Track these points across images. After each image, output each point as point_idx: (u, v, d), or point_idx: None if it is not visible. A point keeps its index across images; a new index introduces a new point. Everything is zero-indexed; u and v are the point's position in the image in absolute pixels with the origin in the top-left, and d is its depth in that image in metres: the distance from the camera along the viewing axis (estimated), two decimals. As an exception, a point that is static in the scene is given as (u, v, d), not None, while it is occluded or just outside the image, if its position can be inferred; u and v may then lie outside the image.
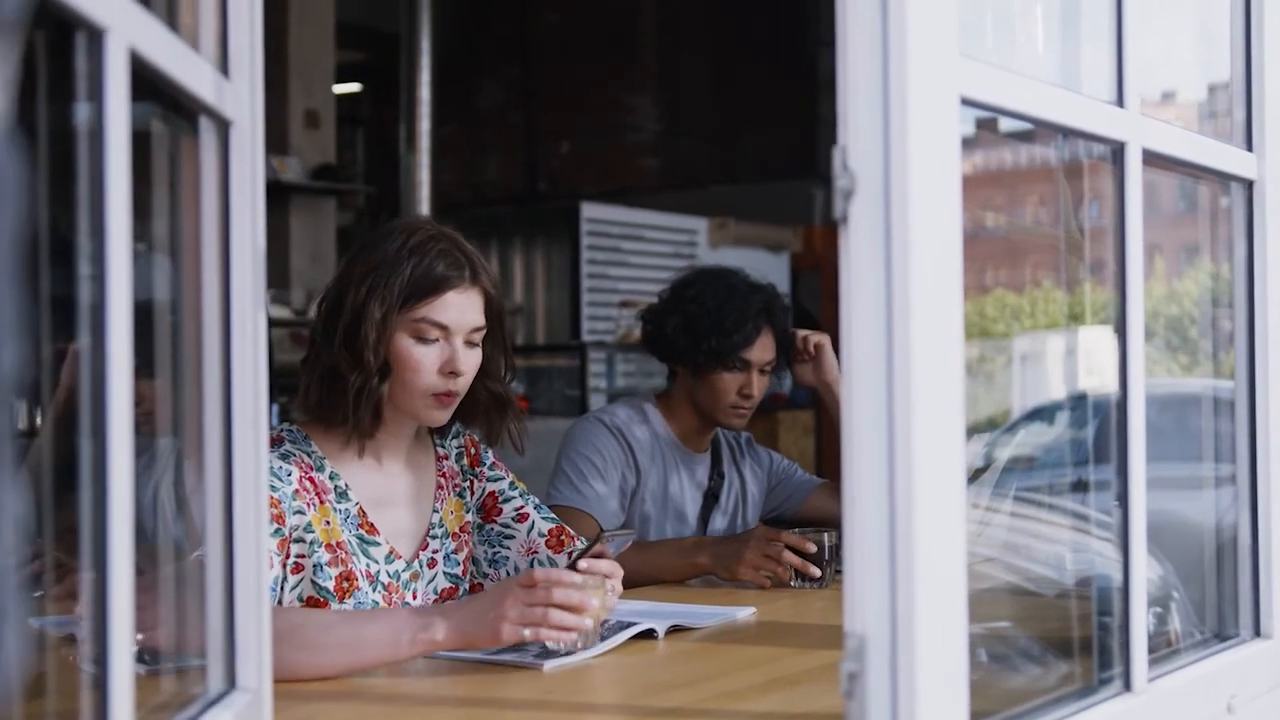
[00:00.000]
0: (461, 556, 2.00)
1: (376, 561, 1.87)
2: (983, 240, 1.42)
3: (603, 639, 1.74)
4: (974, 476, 1.57)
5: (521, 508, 2.04)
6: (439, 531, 1.97)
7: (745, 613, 2.03)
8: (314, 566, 1.80)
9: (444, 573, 1.96)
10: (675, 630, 1.87)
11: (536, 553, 2.00)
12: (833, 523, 2.43)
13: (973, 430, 1.12)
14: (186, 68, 1.04)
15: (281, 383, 2.44)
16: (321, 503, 1.84)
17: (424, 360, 1.84)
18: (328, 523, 1.83)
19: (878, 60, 1.01)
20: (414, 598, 1.90)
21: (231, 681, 1.17)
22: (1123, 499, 1.34)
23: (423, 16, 6.29)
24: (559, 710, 1.51)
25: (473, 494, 2.04)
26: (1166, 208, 1.80)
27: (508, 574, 2.00)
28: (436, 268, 1.83)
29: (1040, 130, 1.36)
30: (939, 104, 1.05)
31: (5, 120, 0.61)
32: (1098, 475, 1.51)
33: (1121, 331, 1.34)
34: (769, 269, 6.24)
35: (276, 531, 1.75)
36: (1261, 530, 1.59)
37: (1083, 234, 1.61)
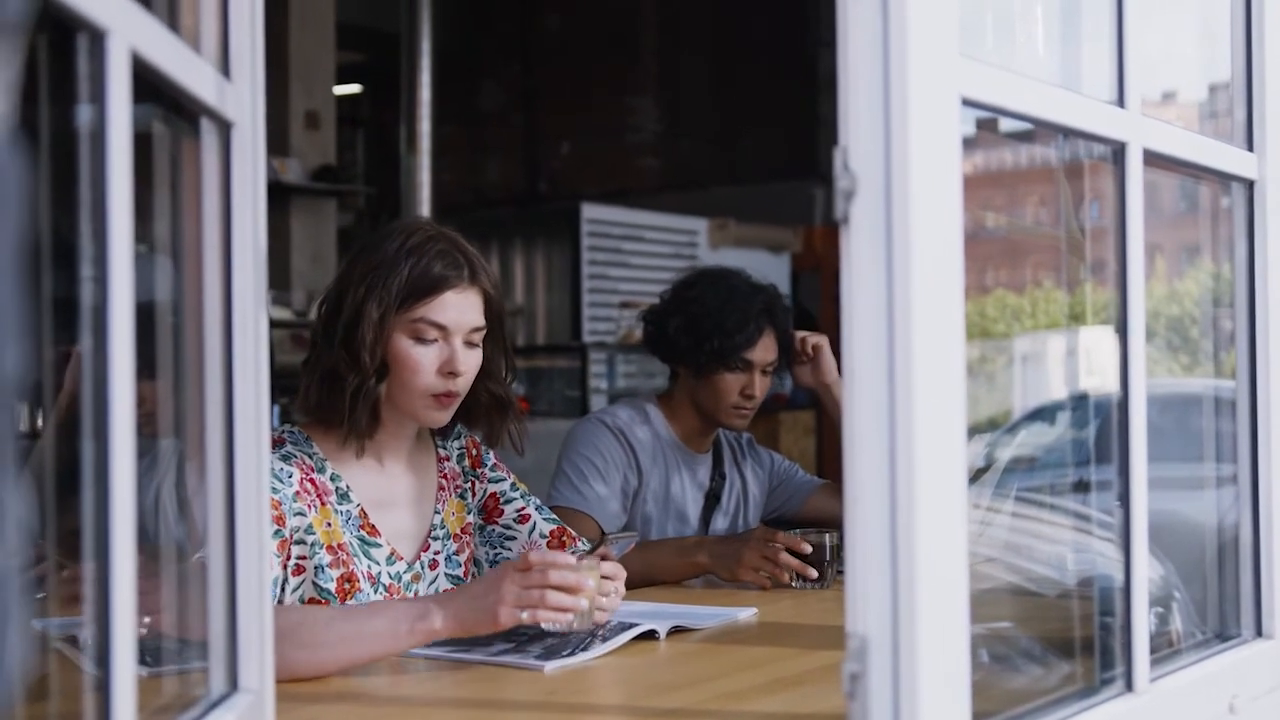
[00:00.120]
0: (463, 558, 2.00)
1: (378, 563, 1.87)
2: (983, 240, 1.42)
3: (604, 640, 1.74)
4: (975, 477, 1.57)
5: (523, 509, 2.04)
6: (440, 533, 1.97)
7: (747, 613, 2.03)
8: (315, 568, 1.80)
9: (445, 574, 1.96)
10: (677, 631, 1.87)
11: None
12: (834, 523, 2.43)
13: (974, 430, 1.12)
14: (188, 69, 1.04)
15: (282, 384, 2.44)
16: (323, 504, 1.84)
17: (423, 361, 1.84)
18: (329, 524, 1.83)
19: (878, 61, 1.01)
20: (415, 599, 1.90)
21: (233, 683, 1.17)
22: (1124, 499, 1.34)
23: (423, 17, 6.29)
24: (561, 711, 1.51)
25: (474, 495, 2.04)
26: (1167, 208, 1.80)
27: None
28: (434, 268, 1.83)
29: (1041, 130, 1.36)
30: (939, 104, 1.05)
31: (8, 122, 0.61)
32: (1099, 475, 1.51)
33: (1122, 331, 1.34)
34: (769, 269, 6.24)
35: (277, 533, 1.75)
36: (1263, 530, 1.59)
37: (1083, 234, 1.61)
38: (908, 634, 1.00)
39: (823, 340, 2.68)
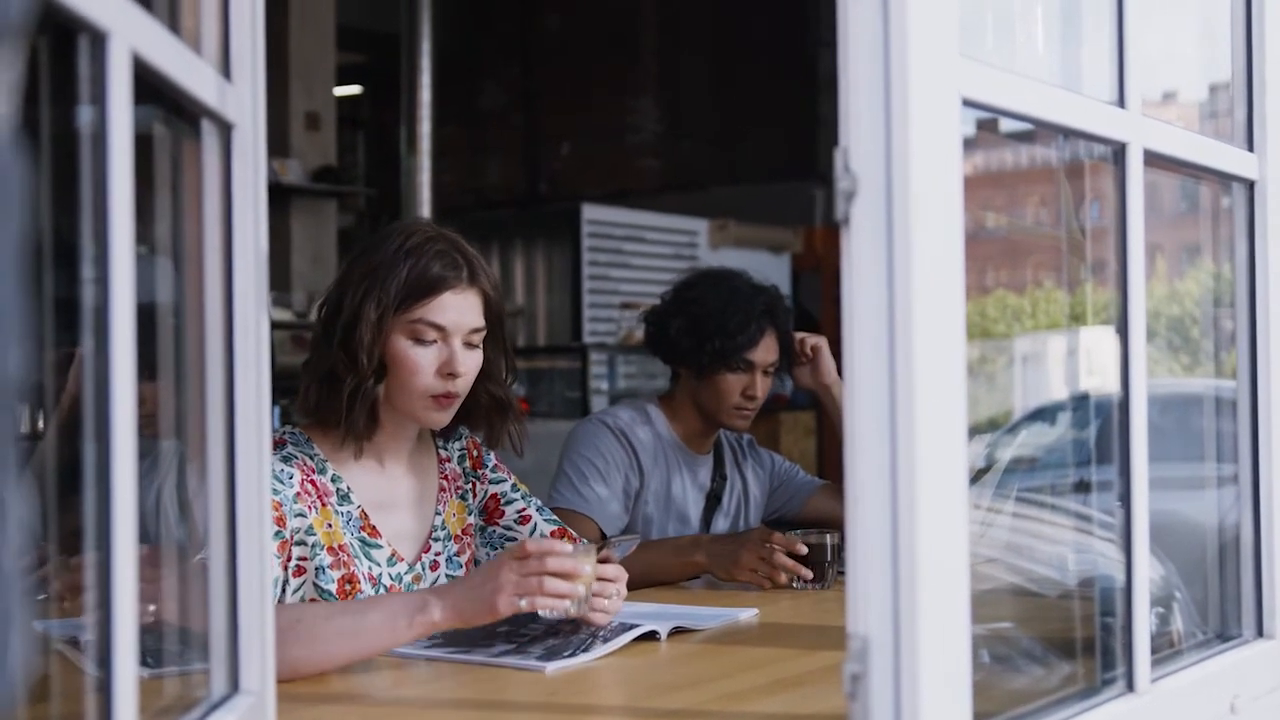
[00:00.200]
0: (464, 559, 2.00)
1: (378, 564, 1.87)
2: (984, 241, 1.42)
3: (605, 641, 1.74)
4: (976, 477, 1.57)
5: (524, 510, 2.05)
6: (441, 534, 1.97)
7: (748, 614, 2.03)
8: (316, 569, 1.80)
9: (446, 575, 1.96)
10: (678, 632, 1.87)
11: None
12: (834, 524, 2.44)
13: (974, 431, 1.12)
14: (189, 71, 1.04)
15: (283, 385, 2.44)
16: (323, 505, 1.84)
17: (421, 361, 1.84)
18: (329, 525, 1.83)
19: (879, 62, 1.01)
20: (416, 600, 1.90)
21: (235, 684, 1.17)
22: (1125, 499, 1.34)
23: (423, 18, 6.29)
24: (562, 712, 1.51)
25: (475, 496, 2.04)
26: (1168, 208, 1.80)
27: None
28: (433, 268, 1.83)
29: (1041, 131, 1.36)
30: (940, 105, 1.05)
31: (10, 124, 0.61)
32: (1100, 476, 1.51)
33: (1123, 332, 1.34)
34: (770, 270, 6.24)
35: (277, 534, 1.75)
36: (1264, 530, 1.59)
37: (1084, 234, 1.61)
38: (909, 634, 1.00)
39: (821, 341, 2.68)
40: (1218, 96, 1.73)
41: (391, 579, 1.89)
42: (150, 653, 1.12)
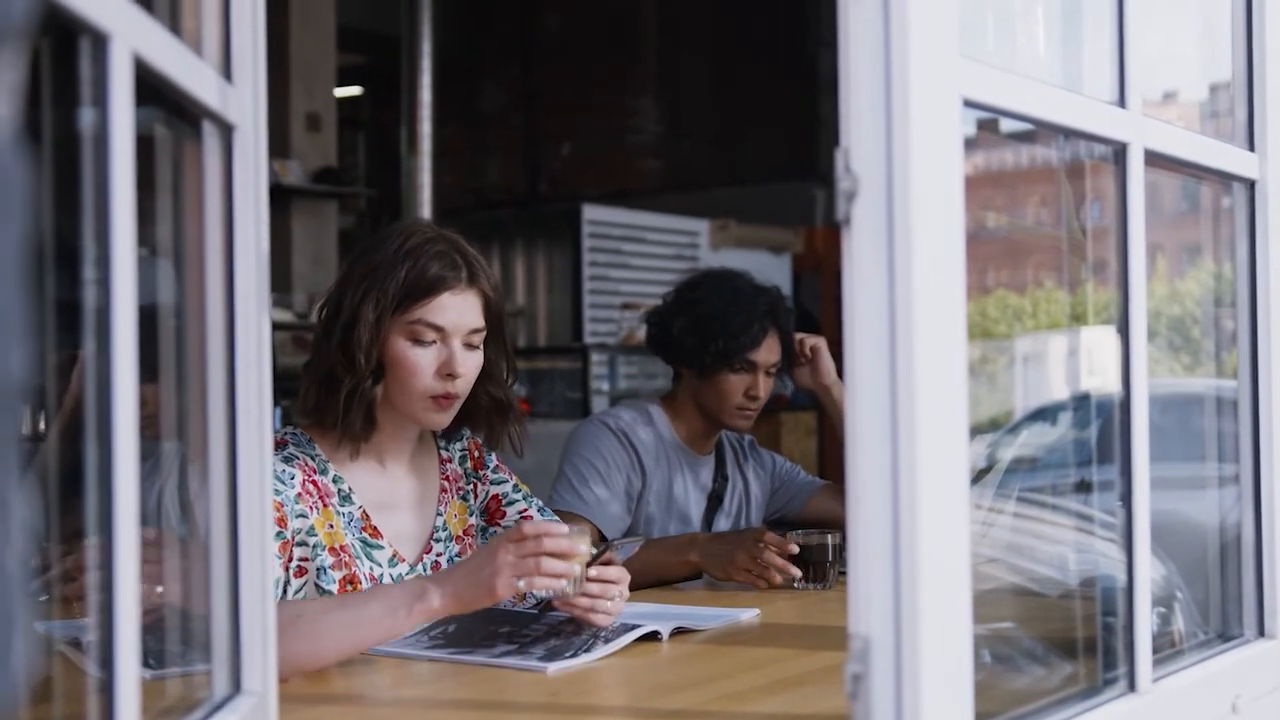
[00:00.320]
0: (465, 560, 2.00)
1: (380, 565, 1.87)
2: (985, 241, 1.42)
3: (606, 641, 1.75)
4: (977, 477, 1.57)
5: (525, 511, 2.05)
6: (442, 535, 1.97)
7: (749, 614, 2.03)
8: (317, 570, 1.80)
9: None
10: (679, 632, 1.87)
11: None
12: (836, 524, 2.44)
13: (975, 431, 1.13)
14: (190, 72, 1.04)
15: (284, 386, 2.44)
16: (325, 506, 1.84)
17: (420, 362, 1.84)
18: (331, 526, 1.83)
19: (879, 62, 1.02)
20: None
21: (237, 685, 1.17)
22: (1126, 499, 1.34)
23: (423, 19, 6.29)
24: (564, 713, 1.51)
25: (476, 497, 2.04)
26: (1168, 208, 1.80)
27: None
28: (431, 269, 1.83)
29: (1042, 131, 1.36)
30: (941, 105, 1.05)
31: (12, 126, 0.61)
32: (1101, 476, 1.51)
33: (1124, 331, 1.34)
34: (770, 270, 6.23)
35: (279, 534, 1.75)
36: (1265, 530, 1.59)
37: (1085, 234, 1.61)
38: (910, 634, 1.00)
39: (820, 342, 2.69)
40: (1218, 96, 1.73)
41: (393, 580, 1.88)
42: (152, 654, 1.12)
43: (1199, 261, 1.85)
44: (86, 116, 0.87)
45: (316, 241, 6.85)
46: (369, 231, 7.67)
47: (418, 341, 1.84)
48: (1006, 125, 1.31)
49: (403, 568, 1.90)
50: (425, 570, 1.93)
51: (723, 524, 2.72)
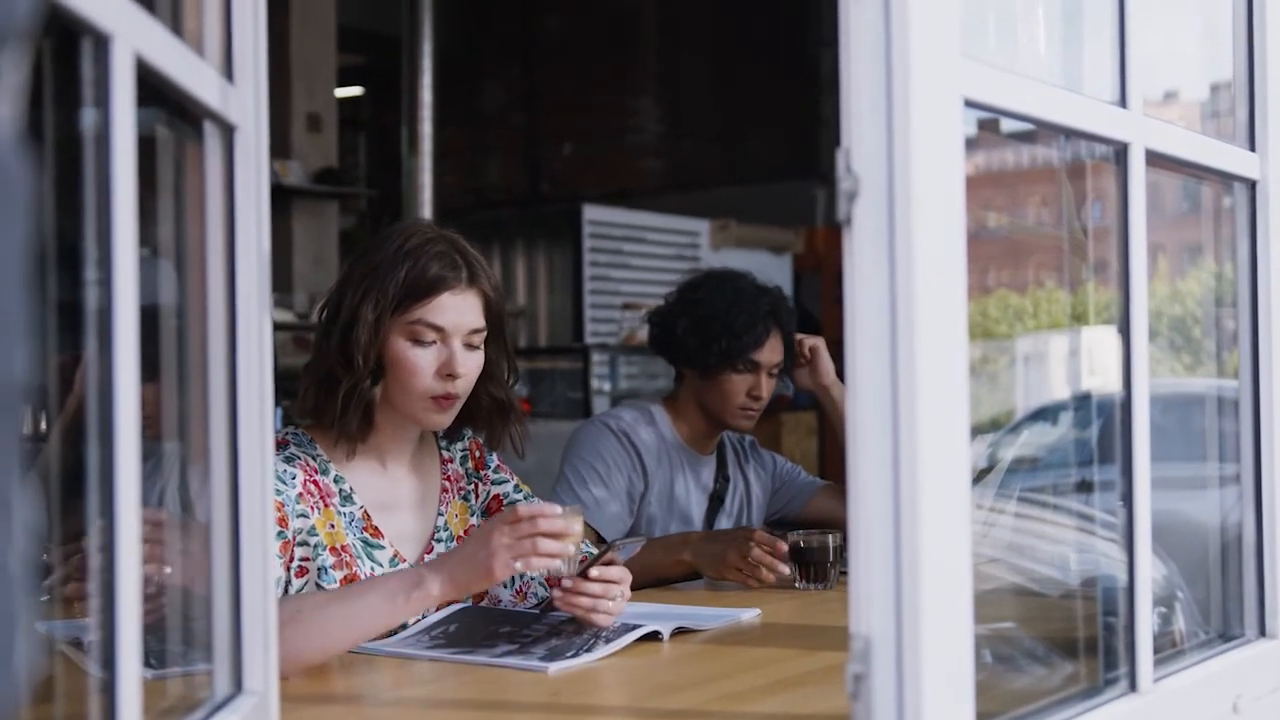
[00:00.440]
0: (466, 559, 2.00)
1: (381, 565, 1.88)
2: (985, 241, 1.42)
3: (607, 641, 1.75)
4: (978, 477, 1.57)
5: (526, 510, 2.04)
6: (444, 535, 1.97)
7: (750, 614, 2.03)
8: (319, 570, 1.80)
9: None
10: (680, 632, 1.87)
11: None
12: (836, 524, 2.44)
13: (976, 431, 1.13)
14: (191, 73, 1.04)
15: (284, 386, 2.44)
16: (326, 506, 1.84)
17: (420, 362, 1.84)
18: (332, 526, 1.83)
19: (880, 63, 1.02)
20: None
21: (238, 684, 1.17)
22: (1127, 499, 1.34)
23: (424, 19, 6.29)
24: (565, 712, 1.51)
25: (477, 497, 2.04)
26: (1169, 208, 1.80)
27: (512, 577, 2.00)
28: (431, 269, 1.83)
29: (1043, 131, 1.36)
30: (942, 106, 1.05)
31: (15, 127, 0.61)
32: (1102, 475, 1.51)
33: (1125, 331, 1.34)
34: (771, 270, 6.23)
35: (280, 534, 1.75)
36: (1266, 530, 1.59)
37: (1085, 234, 1.61)
38: (911, 634, 1.00)
39: (820, 342, 2.69)
40: (1219, 96, 1.73)
41: (394, 580, 1.88)
42: (154, 653, 1.12)
43: (1200, 261, 1.85)
44: (88, 117, 0.87)
45: (317, 242, 6.85)
46: (370, 232, 7.68)
47: (418, 342, 1.84)
48: (1007, 125, 1.31)
49: (404, 568, 1.90)
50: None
51: (724, 524, 2.72)
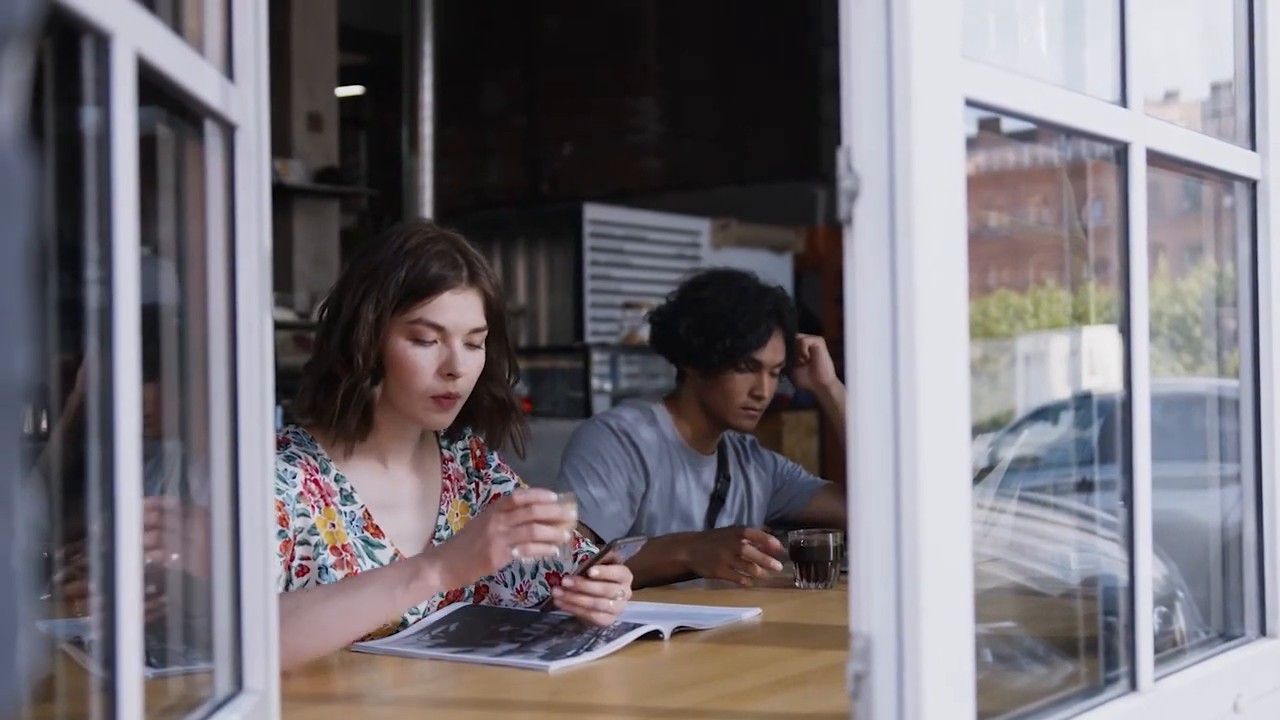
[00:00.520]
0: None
1: (381, 564, 1.87)
2: (986, 240, 1.42)
3: (608, 640, 1.75)
4: (979, 477, 1.57)
5: (526, 509, 2.04)
6: (444, 534, 1.97)
7: (751, 613, 2.03)
8: (319, 569, 1.80)
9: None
10: (681, 631, 1.87)
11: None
12: (837, 524, 2.44)
13: (977, 430, 1.13)
14: (192, 72, 1.04)
15: (285, 385, 2.44)
16: (327, 505, 1.84)
17: (421, 362, 1.84)
18: (333, 525, 1.84)
19: (881, 62, 1.02)
20: (419, 600, 1.90)
21: (239, 683, 1.17)
22: (1127, 499, 1.34)
23: (425, 19, 6.29)
24: (566, 711, 1.51)
25: (478, 496, 2.04)
26: (1170, 207, 1.80)
27: (513, 576, 2.00)
28: (432, 269, 1.84)
29: (1043, 130, 1.36)
30: (943, 105, 1.05)
31: (16, 125, 0.61)
32: (1102, 475, 1.51)
33: (1126, 331, 1.34)
34: (772, 270, 6.22)
35: (280, 533, 1.75)
36: (1267, 529, 1.59)
37: (1086, 234, 1.61)
38: (912, 633, 1.00)
39: (819, 342, 2.70)
40: (1220, 96, 1.73)
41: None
42: (154, 652, 1.13)
43: (1200, 261, 1.85)
44: (89, 116, 0.87)
45: (318, 241, 6.85)
46: (370, 231, 7.68)
47: (419, 341, 1.84)
48: (1008, 125, 1.31)
49: (401, 560, 1.90)
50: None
51: (725, 524, 2.72)
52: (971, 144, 1.11)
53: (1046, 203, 1.71)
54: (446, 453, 2.03)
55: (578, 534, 2.04)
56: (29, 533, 0.61)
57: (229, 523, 1.16)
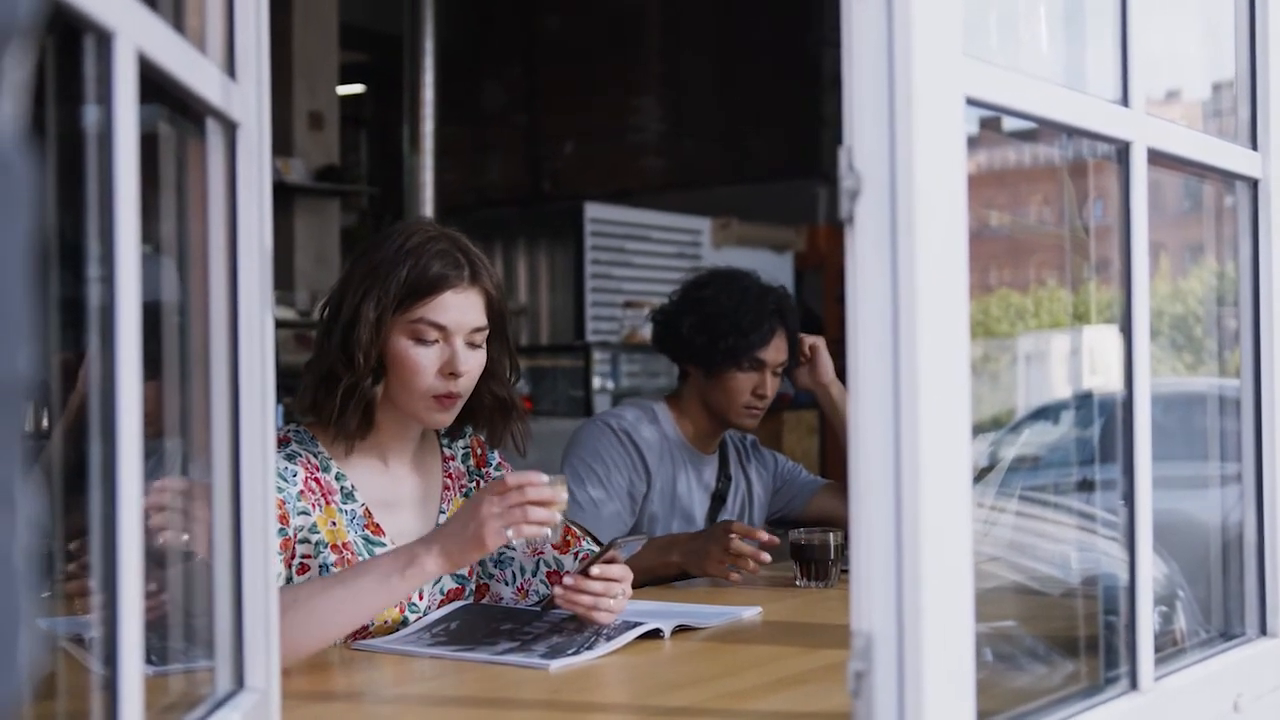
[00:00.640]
0: (467, 557, 2.00)
1: (382, 562, 1.88)
2: (987, 239, 1.42)
3: (609, 639, 1.75)
4: (979, 476, 1.57)
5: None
6: (445, 532, 1.97)
7: (751, 612, 2.03)
8: (320, 567, 1.80)
9: (449, 574, 1.96)
10: (681, 630, 1.87)
11: (543, 553, 2.00)
12: (838, 523, 2.44)
13: (978, 429, 1.13)
14: (194, 70, 1.04)
15: (285, 384, 2.44)
16: (327, 503, 1.84)
17: (422, 361, 1.84)
18: (333, 523, 1.84)
19: (883, 61, 1.02)
20: (420, 599, 1.90)
21: (239, 681, 1.17)
22: (1128, 498, 1.34)
23: (426, 17, 6.29)
24: (566, 710, 1.51)
25: (478, 494, 2.04)
26: (1171, 206, 1.80)
27: (513, 575, 2.00)
28: (433, 268, 1.84)
29: (1045, 129, 1.36)
30: (944, 104, 1.05)
31: (18, 123, 0.61)
32: (1103, 474, 1.51)
33: (1127, 330, 1.34)
34: (773, 269, 6.23)
35: (280, 532, 1.75)
36: (1267, 529, 1.59)
37: (1087, 233, 1.61)
38: (913, 632, 1.00)
39: (819, 341, 2.70)
40: (1221, 95, 1.73)
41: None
42: (155, 650, 1.13)
43: (1201, 260, 1.85)
44: (91, 114, 0.87)
45: (319, 239, 6.85)
46: (371, 229, 7.68)
47: (420, 340, 1.84)
48: (1009, 124, 1.31)
49: (396, 548, 1.90)
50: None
51: (724, 523, 2.72)
52: (973, 143, 1.11)
53: (1047, 202, 1.71)
54: (447, 451, 2.03)
55: (578, 534, 2.05)
56: (30, 530, 0.61)
57: (230, 521, 1.16)
